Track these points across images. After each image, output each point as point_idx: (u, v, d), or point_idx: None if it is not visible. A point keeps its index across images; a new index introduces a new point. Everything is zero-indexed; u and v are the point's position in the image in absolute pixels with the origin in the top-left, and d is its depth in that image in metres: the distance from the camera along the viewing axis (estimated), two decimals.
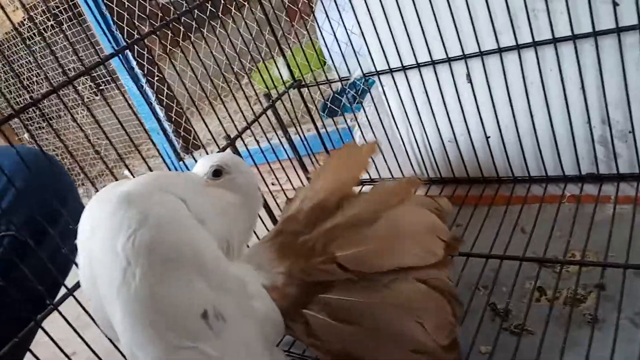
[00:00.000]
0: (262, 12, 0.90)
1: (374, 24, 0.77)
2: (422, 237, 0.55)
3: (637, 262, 0.57)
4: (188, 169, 0.68)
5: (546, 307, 0.59)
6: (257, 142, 0.87)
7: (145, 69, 1.47)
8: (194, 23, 0.83)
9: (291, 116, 0.92)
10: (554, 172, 0.76)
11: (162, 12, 0.78)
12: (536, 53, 0.67)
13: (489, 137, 0.78)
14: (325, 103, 1.28)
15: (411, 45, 0.76)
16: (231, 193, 0.57)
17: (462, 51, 0.72)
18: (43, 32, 1.69)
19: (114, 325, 0.45)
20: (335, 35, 0.86)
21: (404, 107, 0.84)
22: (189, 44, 0.80)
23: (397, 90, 0.82)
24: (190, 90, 0.79)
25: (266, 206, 0.83)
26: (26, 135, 2.12)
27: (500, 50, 0.69)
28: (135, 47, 1.42)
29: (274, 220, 0.86)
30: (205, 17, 1.06)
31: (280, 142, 0.91)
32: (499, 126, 0.75)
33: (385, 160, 0.87)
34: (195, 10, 0.77)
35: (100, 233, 0.45)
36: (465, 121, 0.78)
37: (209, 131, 0.80)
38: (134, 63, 1.45)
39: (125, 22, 1.39)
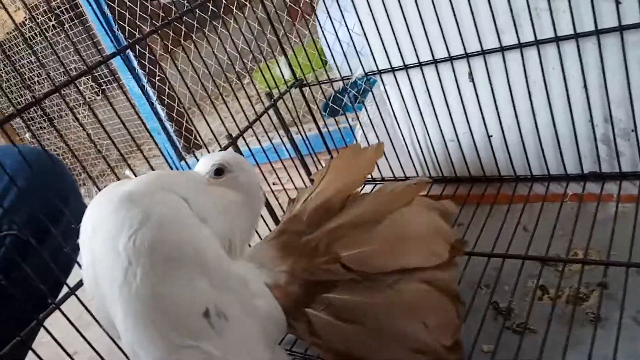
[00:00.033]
0: (263, 11, 0.91)
1: (375, 23, 0.77)
2: (427, 239, 0.55)
3: None
4: (190, 168, 0.68)
5: (549, 306, 0.59)
6: (259, 141, 0.87)
7: (147, 68, 1.48)
8: (195, 22, 0.84)
9: (293, 115, 0.92)
10: (556, 171, 0.76)
11: (163, 12, 0.78)
12: (538, 52, 0.67)
13: (491, 136, 0.77)
14: (327, 102, 1.28)
15: (413, 44, 0.76)
16: (233, 192, 0.57)
17: (465, 50, 0.72)
18: (43, 33, 1.69)
19: (116, 324, 0.45)
20: (337, 34, 0.85)
21: (405, 106, 0.84)
22: (190, 44, 0.80)
23: (399, 89, 0.82)
24: (191, 89, 0.79)
25: (268, 205, 0.83)
26: (27, 135, 2.12)
27: (502, 49, 0.69)
28: (137, 47, 1.42)
29: (275, 219, 0.86)
30: (206, 16, 1.06)
31: (282, 142, 0.91)
32: (501, 125, 0.75)
33: (387, 159, 0.87)
34: (197, 10, 0.77)
35: (102, 232, 0.45)
36: (467, 120, 0.78)
37: (211, 130, 0.80)
38: (135, 63, 1.45)
39: (126, 22, 1.39)
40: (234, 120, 0.82)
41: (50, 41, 1.68)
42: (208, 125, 0.80)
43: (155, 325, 0.42)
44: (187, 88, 0.80)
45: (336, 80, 0.91)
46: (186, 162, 1.19)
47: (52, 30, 1.74)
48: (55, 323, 0.56)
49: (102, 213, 0.46)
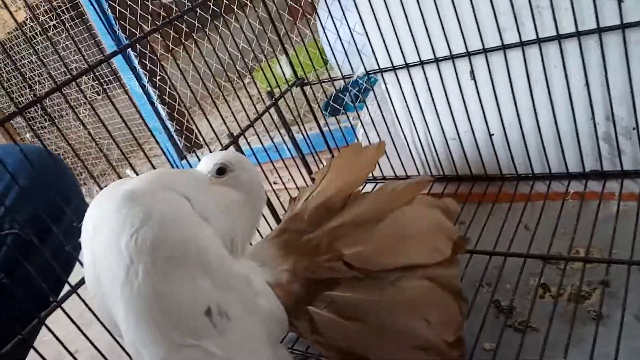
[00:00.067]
0: (265, 10, 0.90)
1: (377, 22, 0.77)
2: (429, 236, 0.55)
3: None
4: (192, 167, 0.68)
5: (550, 304, 0.59)
6: (260, 140, 0.87)
7: (148, 68, 1.48)
8: (196, 22, 0.83)
9: (294, 114, 0.92)
10: (557, 169, 0.76)
11: (164, 11, 0.78)
12: (540, 50, 0.66)
13: (493, 134, 0.77)
14: (328, 101, 1.28)
15: (414, 42, 0.76)
16: (235, 191, 0.57)
17: (466, 48, 0.72)
18: (44, 32, 1.69)
19: (118, 323, 0.45)
20: (338, 33, 0.85)
21: (407, 105, 0.84)
22: (191, 43, 0.80)
23: (401, 87, 0.82)
24: (192, 89, 0.79)
25: (269, 204, 0.83)
26: (28, 135, 2.12)
27: (504, 47, 0.69)
28: (138, 46, 1.42)
29: (277, 218, 0.86)
30: (207, 16, 1.06)
31: (283, 141, 0.91)
32: (502, 123, 0.75)
33: (388, 158, 0.87)
34: (198, 9, 0.77)
35: (104, 231, 0.45)
36: (469, 119, 0.78)
37: (212, 129, 0.80)
38: (136, 62, 1.45)
39: (127, 21, 1.39)
40: (235, 120, 0.82)
41: (51, 41, 1.68)
42: (209, 124, 0.80)
43: (157, 324, 0.42)
44: (188, 86, 0.80)
45: (337, 79, 0.91)
46: (187, 161, 1.19)
47: (52, 30, 1.74)
48: (57, 322, 0.56)
49: (104, 212, 0.46)
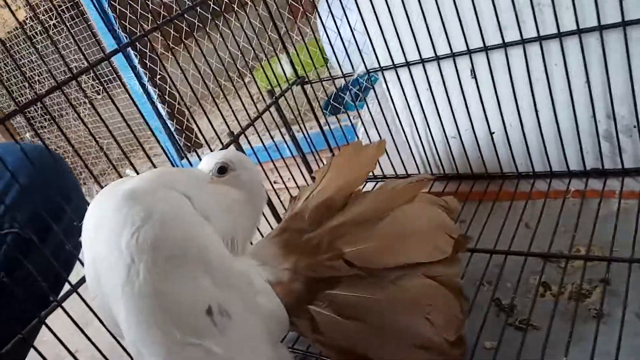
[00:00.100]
0: (265, 9, 0.90)
1: (377, 20, 0.77)
2: (431, 234, 0.55)
3: None
4: (192, 166, 0.68)
5: (551, 302, 0.59)
6: (261, 139, 0.86)
7: (148, 67, 1.47)
8: (196, 21, 0.83)
9: (295, 113, 0.92)
10: (558, 168, 0.76)
11: (165, 10, 0.78)
12: (541, 48, 0.66)
13: (494, 132, 0.77)
14: (328, 100, 1.28)
15: (415, 40, 0.76)
16: (236, 190, 0.56)
17: (467, 46, 0.72)
18: (45, 31, 1.69)
19: (118, 322, 0.45)
20: (338, 31, 0.85)
21: (407, 103, 0.83)
22: (191, 42, 0.80)
23: (401, 86, 0.82)
24: (193, 88, 0.79)
25: (270, 203, 0.83)
26: (28, 135, 2.12)
27: (505, 45, 0.69)
28: (138, 45, 1.42)
29: (277, 217, 0.86)
30: (208, 15, 1.06)
31: (284, 140, 0.91)
32: (503, 121, 0.75)
33: (388, 156, 0.87)
34: (198, 8, 0.77)
35: (105, 230, 0.45)
36: (470, 117, 0.78)
37: (213, 128, 0.80)
38: (136, 61, 1.45)
39: (127, 20, 1.39)
40: (236, 118, 0.82)
41: (52, 39, 1.68)
42: (210, 123, 0.80)
43: (158, 324, 0.42)
44: (189, 86, 0.80)
45: (338, 78, 0.91)
46: (188, 160, 1.19)
47: (53, 29, 1.74)
48: (55, 322, 0.56)
49: (104, 211, 0.45)
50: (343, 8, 0.83)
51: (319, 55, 1.03)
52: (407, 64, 0.79)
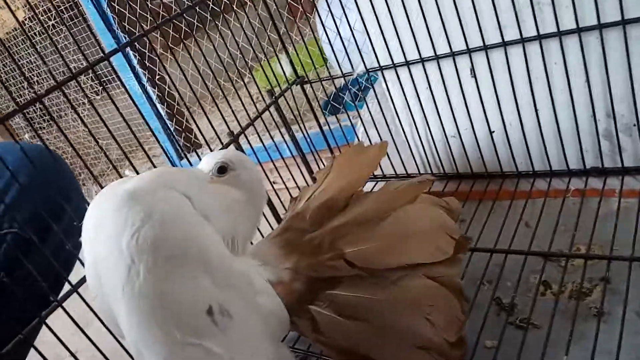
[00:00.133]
0: (265, 9, 0.90)
1: (377, 19, 0.77)
2: (432, 235, 0.55)
3: None
4: (192, 166, 0.68)
5: (552, 301, 0.59)
6: (261, 139, 0.86)
7: (147, 68, 1.47)
8: (195, 21, 0.83)
9: (294, 113, 0.92)
10: (558, 167, 0.76)
11: (164, 10, 0.78)
12: (541, 47, 0.66)
13: (493, 131, 0.77)
14: (328, 100, 1.28)
15: (415, 39, 0.76)
16: (236, 190, 0.56)
17: (467, 45, 0.72)
18: (45, 31, 1.69)
19: (119, 323, 0.45)
20: (338, 30, 0.85)
21: (407, 102, 0.83)
22: (191, 42, 0.80)
23: (401, 85, 0.82)
24: (192, 88, 0.79)
25: (270, 203, 0.83)
26: (27, 136, 2.12)
27: (504, 44, 0.69)
28: (137, 45, 1.41)
29: (277, 217, 0.86)
30: (207, 15, 1.06)
31: (284, 139, 0.91)
32: (503, 121, 0.75)
33: (388, 156, 0.87)
34: (197, 8, 0.77)
35: (105, 231, 0.45)
36: (469, 116, 0.78)
37: (213, 128, 0.80)
38: (135, 62, 1.45)
39: (126, 20, 1.39)
40: (236, 118, 0.82)
41: (52, 39, 1.68)
42: (210, 123, 0.80)
43: (159, 324, 0.42)
44: (188, 86, 0.80)
45: (337, 77, 0.91)
46: (188, 160, 1.19)
47: (51, 30, 1.74)
48: (57, 322, 0.55)
49: (105, 211, 0.45)
50: (343, 7, 0.83)
51: (318, 55, 1.03)
52: (407, 64, 0.79)
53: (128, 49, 1.37)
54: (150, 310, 0.42)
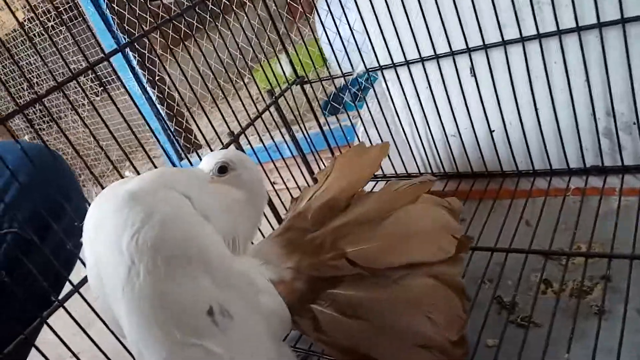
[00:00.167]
0: (264, 10, 0.90)
1: (377, 19, 0.77)
2: (434, 234, 0.55)
3: None
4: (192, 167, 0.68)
5: (553, 300, 0.59)
6: (261, 139, 0.87)
7: (147, 69, 1.47)
8: (195, 21, 0.83)
9: (294, 114, 0.92)
10: (558, 165, 0.76)
11: (164, 11, 0.78)
12: (540, 45, 0.67)
13: (493, 130, 0.77)
14: (327, 101, 1.28)
15: (414, 39, 0.76)
16: (236, 189, 0.56)
17: (466, 44, 0.72)
18: (44, 32, 1.69)
19: (120, 323, 0.45)
20: (338, 30, 0.85)
21: (407, 102, 0.83)
22: (190, 43, 0.80)
23: (401, 85, 0.82)
24: (192, 89, 0.79)
25: (270, 204, 0.83)
26: (26, 138, 2.12)
27: (504, 43, 0.69)
28: (137, 46, 1.41)
29: (278, 218, 0.86)
30: (207, 16, 1.06)
31: (284, 140, 0.91)
32: (503, 120, 0.75)
33: (388, 156, 0.87)
34: (197, 8, 0.77)
35: (105, 231, 0.45)
36: (469, 115, 0.78)
37: (213, 128, 0.80)
38: (135, 62, 1.45)
39: (126, 21, 1.39)
40: (236, 119, 0.82)
41: (50, 42, 1.68)
42: (210, 123, 0.80)
43: (159, 324, 0.42)
44: (189, 87, 0.80)
45: (337, 77, 0.91)
46: (189, 161, 1.19)
47: (51, 31, 1.74)
48: (58, 322, 0.55)
49: (105, 212, 0.46)
50: (342, 7, 0.83)
51: (318, 56, 1.03)
52: (407, 63, 0.79)
53: (127, 49, 1.37)
54: (150, 311, 0.42)
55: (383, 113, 0.89)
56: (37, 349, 0.53)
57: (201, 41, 0.84)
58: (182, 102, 1.42)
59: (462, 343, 0.51)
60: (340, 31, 0.85)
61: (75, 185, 0.70)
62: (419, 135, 0.86)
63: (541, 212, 0.71)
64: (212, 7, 0.87)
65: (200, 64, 0.78)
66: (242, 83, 0.84)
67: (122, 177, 0.55)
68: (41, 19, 1.69)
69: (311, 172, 0.95)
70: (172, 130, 1.54)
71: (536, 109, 0.72)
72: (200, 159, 0.59)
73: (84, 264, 0.49)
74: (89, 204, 0.48)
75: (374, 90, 0.92)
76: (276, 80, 0.87)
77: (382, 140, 0.89)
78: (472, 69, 0.74)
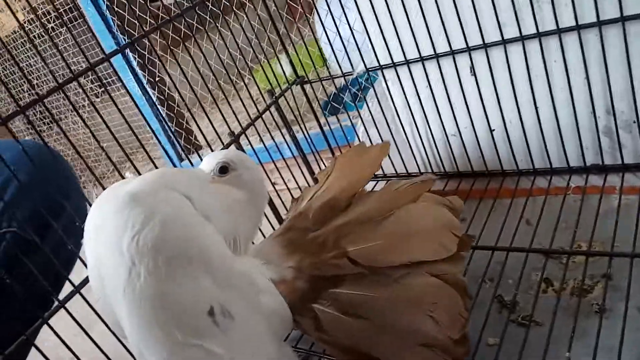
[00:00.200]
0: (264, 10, 0.90)
1: (377, 18, 0.77)
2: (435, 233, 0.55)
3: None
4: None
5: (553, 298, 0.59)
6: (262, 140, 0.87)
7: (147, 70, 1.48)
8: (194, 22, 0.83)
9: (295, 114, 0.92)
10: (558, 164, 0.76)
11: (164, 12, 0.78)
12: (540, 44, 0.67)
13: (494, 130, 0.77)
14: (327, 101, 1.28)
15: (414, 38, 0.76)
16: (237, 190, 0.56)
17: (466, 43, 0.72)
18: (45, 34, 1.69)
19: (122, 324, 0.45)
20: (338, 30, 0.85)
21: (407, 101, 0.84)
22: (190, 44, 0.80)
23: (401, 84, 0.82)
24: (193, 89, 0.79)
25: (271, 204, 0.83)
26: (26, 139, 2.11)
27: (504, 42, 0.69)
28: (137, 48, 1.42)
29: (278, 218, 0.86)
30: (207, 17, 1.06)
31: (285, 140, 0.91)
32: (503, 119, 0.75)
33: (389, 155, 0.87)
34: (197, 9, 0.77)
35: (106, 233, 0.45)
36: (470, 114, 0.78)
37: (214, 129, 0.80)
38: (134, 63, 1.45)
39: (126, 23, 1.39)
40: (237, 119, 0.82)
41: (49, 43, 1.68)
42: (211, 123, 0.80)
43: (160, 325, 0.42)
44: (189, 88, 0.80)
45: (337, 77, 0.91)
46: (190, 161, 1.19)
47: (51, 32, 1.74)
48: (58, 323, 0.55)
49: (106, 213, 0.46)
50: (342, 7, 0.83)
51: (318, 56, 1.03)
52: (407, 62, 0.79)
53: (128, 50, 1.37)
54: (151, 311, 0.42)
55: (383, 113, 0.89)
56: (39, 349, 0.53)
57: (201, 42, 0.84)
58: (182, 102, 1.42)
59: (463, 341, 0.51)
60: (340, 31, 0.85)
61: (75, 183, 0.70)
62: (419, 134, 0.86)
63: (541, 211, 0.71)
64: (212, 7, 0.87)
65: (200, 64, 0.78)
66: (242, 83, 0.84)
67: (123, 178, 0.55)
68: (41, 20, 1.69)
69: (312, 172, 0.95)
70: (173, 131, 1.54)
71: (536, 108, 0.72)
72: (201, 160, 0.59)
73: (85, 264, 0.49)
74: (89, 203, 0.48)
75: (374, 90, 0.92)
76: (276, 80, 0.87)
77: (382, 140, 0.89)
78: (472, 68, 0.74)
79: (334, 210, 0.60)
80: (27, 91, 1.99)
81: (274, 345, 0.51)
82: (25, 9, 1.63)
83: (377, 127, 0.91)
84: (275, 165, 0.86)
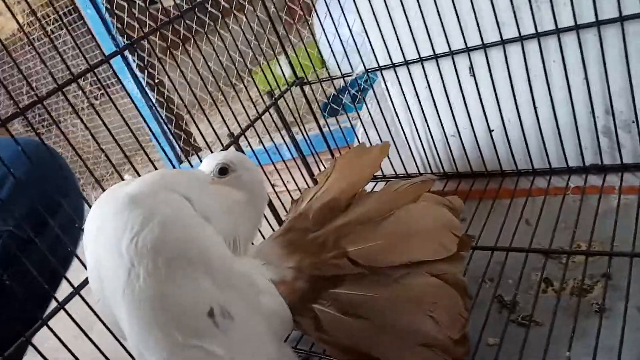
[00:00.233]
0: (264, 12, 0.90)
1: (376, 19, 0.77)
2: (435, 233, 0.55)
3: None
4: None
5: (553, 298, 0.59)
6: (261, 141, 0.87)
7: (146, 72, 1.48)
8: (194, 24, 0.84)
9: (294, 115, 0.92)
10: (557, 164, 0.76)
11: (164, 15, 0.78)
12: (539, 44, 0.67)
13: (493, 130, 0.77)
14: (327, 102, 1.28)
15: (414, 39, 0.76)
16: (237, 191, 0.57)
17: (465, 44, 0.72)
18: (45, 35, 1.69)
19: (121, 326, 0.45)
20: (337, 31, 0.86)
21: (406, 102, 0.84)
22: (190, 46, 0.80)
23: (400, 85, 0.82)
24: (193, 91, 0.79)
25: (270, 206, 0.83)
26: None
27: (503, 42, 0.69)
28: (137, 50, 1.42)
29: (278, 219, 0.86)
30: (206, 19, 1.07)
31: (284, 141, 0.91)
32: (502, 119, 0.75)
33: (388, 156, 0.87)
34: (196, 11, 0.77)
35: (105, 234, 0.45)
36: (469, 115, 0.78)
37: (213, 130, 0.80)
38: (134, 65, 1.45)
39: (125, 25, 1.39)
40: (236, 120, 0.82)
41: (48, 46, 1.68)
42: (210, 125, 0.80)
43: (160, 326, 0.42)
44: (189, 89, 0.80)
45: (337, 78, 0.91)
46: (189, 163, 1.19)
47: (51, 34, 1.74)
48: (58, 324, 0.55)
49: (105, 214, 0.46)
50: (341, 8, 0.83)
51: (317, 57, 1.03)
52: (406, 63, 0.79)
53: (127, 52, 1.37)
54: (151, 313, 0.42)
55: (382, 114, 0.89)
56: (39, 351, 0.53)
57: (200, 44, 0.84)
58: (181, 104, 1.42)
59: (463, 341, 0.51)
60: (339, 32, 0.85)
61: (73, 182, 0.70)
62: (418, 135, 0.86)
63: (541, 211, 0.71)
64: (212, 10, 0.87)
65: (199, 66, 0.78)
66: (241, 85, 0.84)
67: (123, 180, 0.55)
68: (44, 21, 1.69)
69: (311, 174, 0.95)
70: (172, 132, 1.54)
71: (535, 108, 0.72)
72: (201, 161, 0.59)
73: (84, 265, 0.49)
74: (88, 205, 0.48)
75: (373, 91, 0.93)
76: (276, 81, 0.87)
77: (381, 141, 0.89)
78: (471, 68, 0.74)
79: (333, 211, 0.60)
80: (26, 93, 1.99)
81: (274, 346, 0.51)
82: (24, 11, 1.63)
83: (376, 128, 0.91)
84: (275, 167, 0.87)
